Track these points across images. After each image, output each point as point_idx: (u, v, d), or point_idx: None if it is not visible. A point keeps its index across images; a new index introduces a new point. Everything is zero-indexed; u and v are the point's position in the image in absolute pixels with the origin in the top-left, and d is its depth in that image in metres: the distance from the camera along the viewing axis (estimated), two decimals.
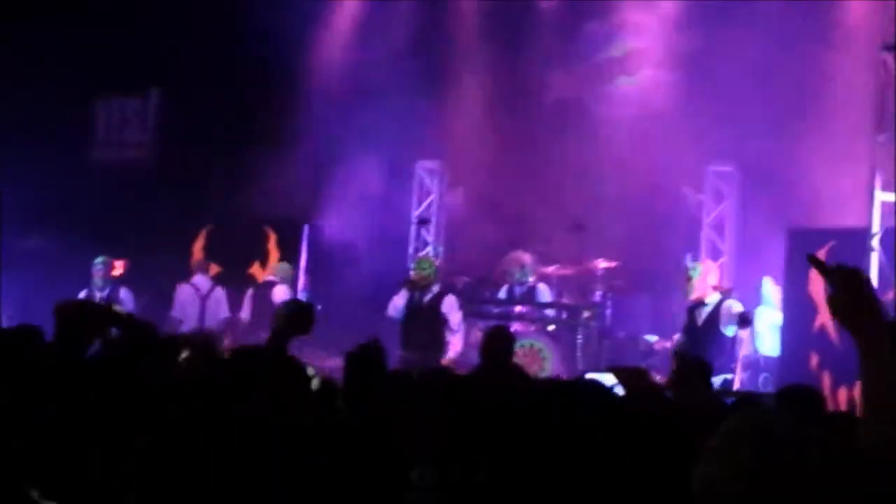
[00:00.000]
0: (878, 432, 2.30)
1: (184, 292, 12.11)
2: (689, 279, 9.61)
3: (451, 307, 10.47)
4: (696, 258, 11.33)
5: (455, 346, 10.41)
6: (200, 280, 12.21)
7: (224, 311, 12.09)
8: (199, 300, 12.03)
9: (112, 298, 11.65)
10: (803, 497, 2.09)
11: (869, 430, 2.32)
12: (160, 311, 11.79)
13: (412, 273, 10.71)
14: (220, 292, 12.19)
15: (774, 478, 2.09)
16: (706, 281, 9.63)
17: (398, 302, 10.50)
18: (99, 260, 11.92)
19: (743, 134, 11.46)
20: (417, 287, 10.47)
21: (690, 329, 9.57)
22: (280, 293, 11.93)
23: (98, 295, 11.78)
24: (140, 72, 14.43)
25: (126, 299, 11.81)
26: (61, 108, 14.28)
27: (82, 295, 11.81)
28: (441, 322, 10.39)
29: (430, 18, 13.47)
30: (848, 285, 2.38)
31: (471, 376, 6.70)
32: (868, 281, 2.41)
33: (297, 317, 4.68)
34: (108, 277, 11.90)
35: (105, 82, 14.77)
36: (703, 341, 9.32)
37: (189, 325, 11.76)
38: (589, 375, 6.72)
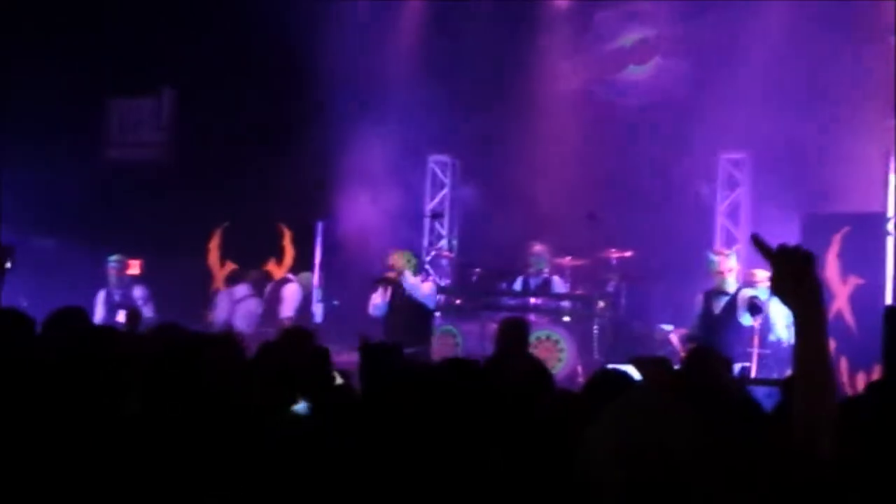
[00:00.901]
0: (806, 412, 2.37)
1: (221, 298, 12.20)
2: (730, 269, 9.57)
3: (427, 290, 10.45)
4: (710, 247, 11.30)
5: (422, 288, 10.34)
6: (240, 288, 12.24)
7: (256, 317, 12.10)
8: (231, 304, 12.07)
9: (127, 297, 11.71)
10: (673, 473, 2.11)
11: (798, 409, 2.37)
12: (175, 310, 11.84)
13: (398, 259, 10.59)
14: (253, 302, 12.18)
15: (643, 455, 2.11)
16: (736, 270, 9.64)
17: (377, 300, 10.45)
18: (114, 258, 11.95)
19: (755, 120, 11.41)
20: (397, 282, 10.42)
21: (706, 317, 9.55)
22: (289, 291, 12.02)
23: (115, 294, 11.84)
24: (153, 71, 14.45)
25: (141, 297, 11.86)
26: (75, 108, 14.32)
27: (100, 295, 11.87)
28: (424, 313, 10.37)
29: (440, 12, 13.47)
30: (789, 265, 2.42)
31: (485, 365, 6.69)
32: (809, 259, 2.45)
33: None
34: (124, 276, 11.95)
35: (118, 82, 14.79)
36: (720, 329, 9.31)
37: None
38: (610, 367, 6.72)
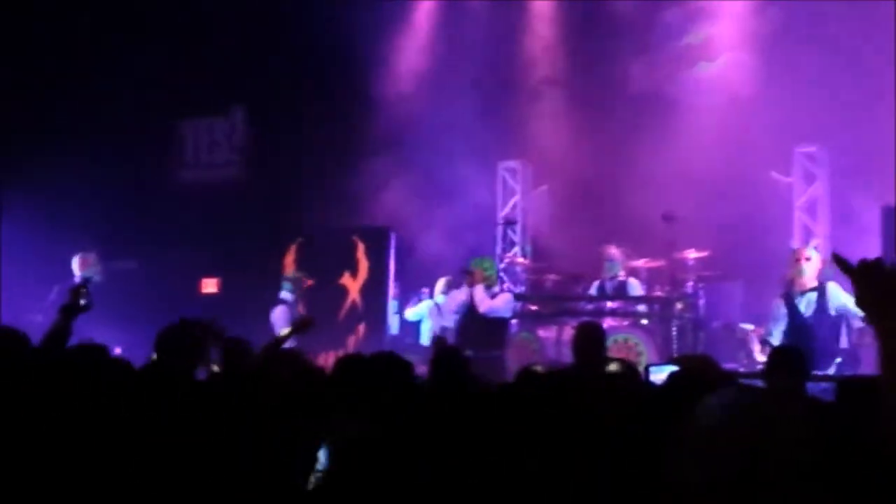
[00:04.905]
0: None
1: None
2: (801, 272, 9.34)
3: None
4: (788, 243, 11.11)
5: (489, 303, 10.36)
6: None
7: None
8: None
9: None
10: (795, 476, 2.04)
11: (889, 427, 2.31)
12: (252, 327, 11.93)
13: (477, 270, 10.59)
14: None
15: (770, 456, 2.04)
16: (817, 270, 9.39)
17: (459, 298, 10.55)
18: (298, 273, 12.07)
19: (829, 113, 11.19)
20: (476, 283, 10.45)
21: (794, 319, 9.31)
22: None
23: (295, 311, 11.94)
24: (222, 90, 14.62)
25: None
26: (147, 130, 14.54)
27: (279, 311, 11.76)
28: (499, 320, 10.36)
29: (508, 16, 13.46)
30: (871, 281, 2.38)
31: (565, 374, 6.65)
32: (891, 274, 2.38)
33: None
34: (305, 291, 12.01)
35: (189, 102, 14.97)
36: (813, 328, 9.09)
37: None
38: (653, 368, 6.66)
